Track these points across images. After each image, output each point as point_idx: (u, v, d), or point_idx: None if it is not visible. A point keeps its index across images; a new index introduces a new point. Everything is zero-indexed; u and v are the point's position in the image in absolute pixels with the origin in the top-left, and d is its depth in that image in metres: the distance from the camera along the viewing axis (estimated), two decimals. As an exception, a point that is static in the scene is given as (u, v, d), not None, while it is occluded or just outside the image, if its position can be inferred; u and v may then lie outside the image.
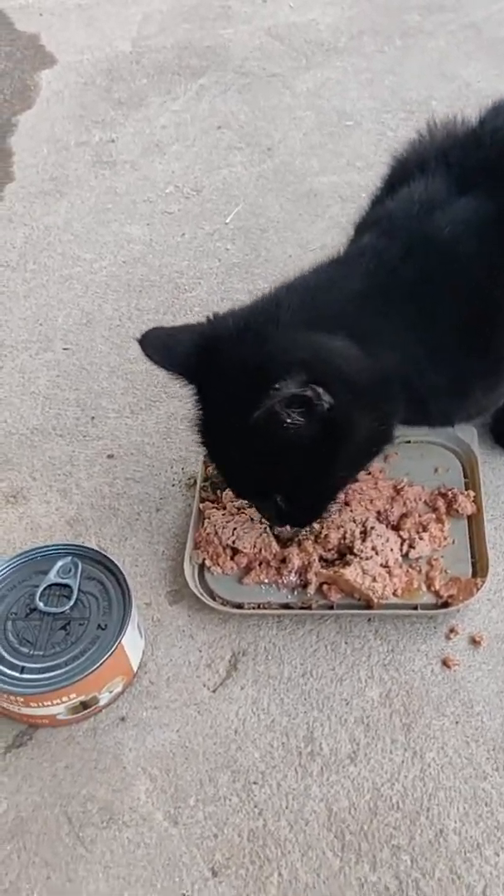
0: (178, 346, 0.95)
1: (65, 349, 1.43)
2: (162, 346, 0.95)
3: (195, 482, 1.18)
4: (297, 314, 0.93)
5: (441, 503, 1.11)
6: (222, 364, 0.92)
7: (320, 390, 0.85)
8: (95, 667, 0.95)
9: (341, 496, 1.07)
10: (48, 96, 1.99)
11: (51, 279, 1.55)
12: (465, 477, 1.15)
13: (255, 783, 0.93)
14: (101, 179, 1.76)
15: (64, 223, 1.67)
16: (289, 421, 0.87)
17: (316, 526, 1.07)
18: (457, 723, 0.95)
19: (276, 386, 0.83)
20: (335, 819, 0.89)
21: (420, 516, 1.10)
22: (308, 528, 1.08)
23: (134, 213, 1.67)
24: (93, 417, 1.31)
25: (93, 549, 1.05)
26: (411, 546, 1.07)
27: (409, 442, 1.18)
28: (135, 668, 1.01)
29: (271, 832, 0.89)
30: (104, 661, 0.95)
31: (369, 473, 1.15)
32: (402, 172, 1.05)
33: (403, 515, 1.10)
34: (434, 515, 1.09)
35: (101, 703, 0.98)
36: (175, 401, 1.31)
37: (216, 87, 1.97)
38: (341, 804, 0.90)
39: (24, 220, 1.68)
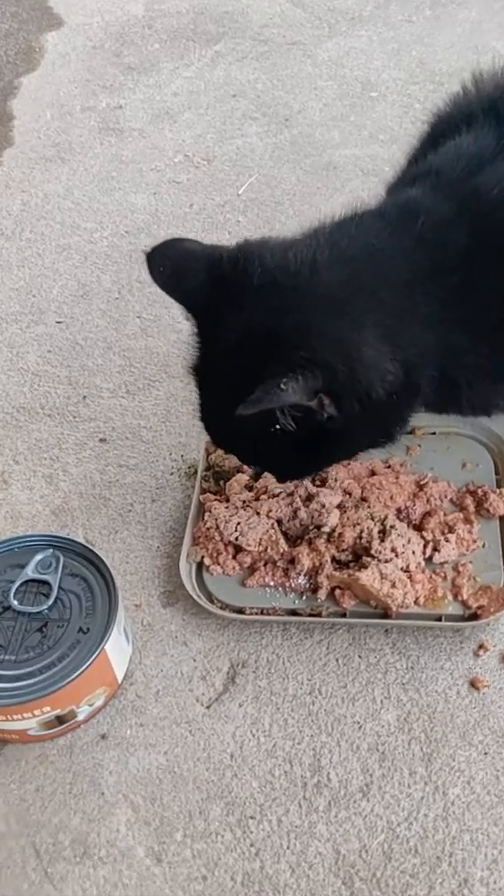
0: (193, 274, 0.82)
1: (58, 323, 1.31)
2: (173, 269, 0.82)
3: (195, 471, 1.06)
4: (332, 282, 0.80)
5: (469, 502, 0.98)
6: (235, 313, 0.80)
7: (327, 401, 0.76)
8: (74, 676, 0.83)
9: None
10: (54, 59, 1.87)
11: (47, 248, 1.43)
12: (497, 473, 1.02)
13: (252, 818, 0.81)
14: (107, 146, 1.64)
15: (64, 191, 1.55)
16: (278, 426, 0.77)
17: (329, 523, 0.95)
18: (486, 754, 0.82)
19: (282, 386, 0.72)
20: (343, 863, 0.77)
21: (445, 515, 0.97)
22: (316, 525, 0.96)
23: (140, 181, 1.55)
24: (84, 397, 1.20)
25: (77, 543, 0.93)
26: (436, 549, 0.94)
27: (434, 433, 1.06)
28: (119, 679, 0.89)
29: (269, 876, 0.77)
30: (85, 670, 0.83)
31: (389, 466, 1.03)
32: (445, 128, 0.93)
33: (427, 514, 0.98)
34: (461, 515, 0.97)
35: (80, 717, 0.86)
36: (176, 381, 1.20)
37: (232, 55, 1.84)
38: (351, 846, 0.78)
39: (23, 187, 1.57)
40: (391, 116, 1.63)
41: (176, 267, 0.83)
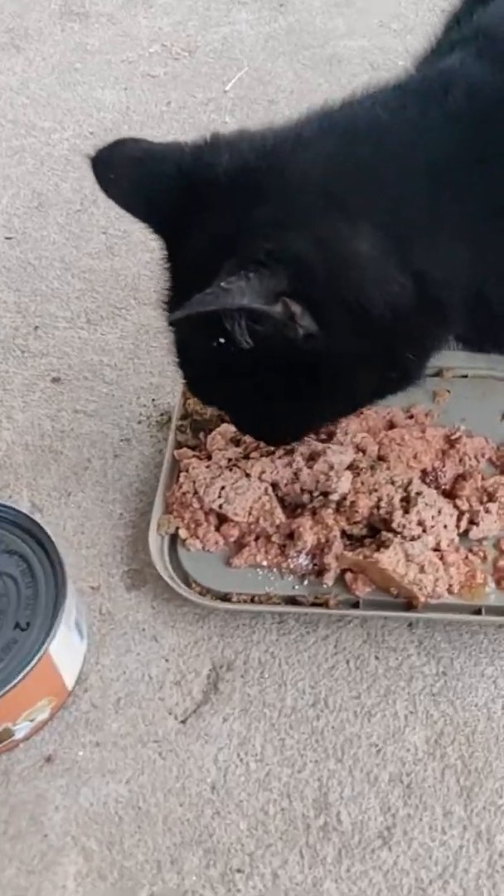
0: (153, 179, 0.65)
1: (7, 238, 1.09)
2: (128, 176, 0.66)
3: (169, 420, 0.86)
4: (317, 162, 0.62)
5: (513, 462, 0.79)
6: (199, 218, 0.63)
7: (298, 309, 0.56)
8: (10, 686, 0.64)
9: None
10: None
11: (-5, 151, 1.21)
12: (547, 427, 0.82)
13: (239, 871, 0.62)
14: (69, 34, 1.40)
15: (18, 84, 1.32)
16: (222, 339, 0.57)
17: (339, 489, 0.75)
18: (542, 790, 0.64)
19: (224, 285, 0.54)
20: (359, 937, 0.59)
21: (483, 479, 0.78)
22: (322, 491, 0.76)
23: (108, 75, 1.32)
24: (36, 328, 0.98)
25: (13, 509, 0.73)
26: (472, 521, 0.75)
27: (465, 376, 0.86)
28: (70, 685, 0.70)
29: None
30: (22, 679, 0.64)
31: (411, 417, 0.83)
32: None
33: (460, 477, 0.78)
34: (504, 479, 0.78)
35: (17, 736, 0.67)
36: (148, 309, 0.98)
37: None
38: (369, 913, 0.60)
39: (-32, 80, 1.33)
40: (405, 2, 1.39)
41: (131, 173, 0.66)
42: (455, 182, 0.63)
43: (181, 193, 0.64)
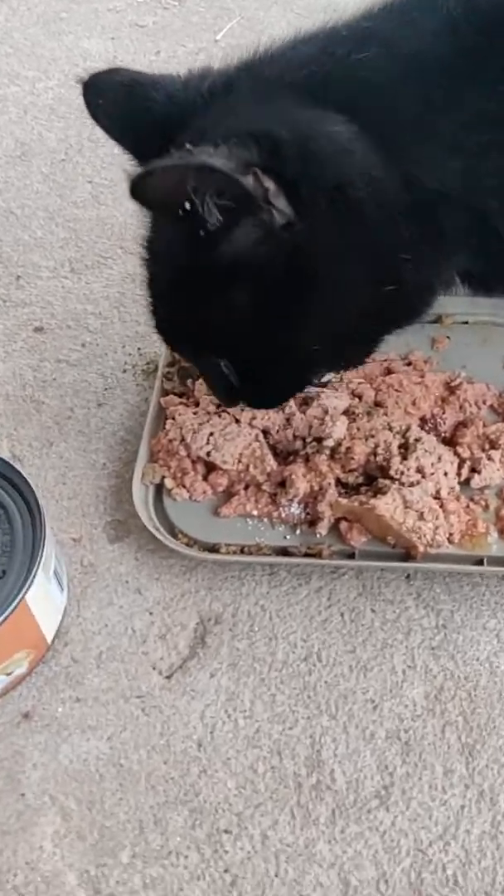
0: (142, 106, 0.62)
1: (-12, 188, 1.05)
2: (117, 101, 0.63)
3: (155, 368, 0.82)
4: (298, 70, 0.58)
5: (516, 409, 0.75)
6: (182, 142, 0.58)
7: (271, 185, 0.52)
8: (-17, 636, 0.60)
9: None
10: None
11: (-23, 99, 1.16)
12: (551, 374, 0.79)
13: (226, 832, 0.58)
14: (55, -17, 1.35)
15: (2, 33, 1.27)
16: (209, 219, 0.53)
17: (334, 435, 0.71)
18: (548, 746, 0.60)
19: (188, 147, 0.51)
20: (354, 899, 0.55)
21: (485, 426, 0.74)
22: (316, 437, 0.72)
23: (94, 24, 1.27)
24: (18, 277, 0.94)
25: (-9, 455, 0.69)
26: (474, 469, 0.71)
27: (466, 322, 0.82)
28: (49, 639, 0.66)
29: (250, 916, 0.55)
30: (-2, 628, 0.60)
31: (409, 363, 0.79)
32: None
33: (461, 425, 0.74)
34: (507, 426, 0.74)
35: (-8, 691, 0.63)
36: (134, 258, 0.92)
37: None
38: (364, 874, 0.56)
39: (-51, 29, 1.28)
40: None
41: (121, 99, 0.63)
42: (447, 90, 0.58)
43: (170, 122, 0.60)
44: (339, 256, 0.57)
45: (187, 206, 0.51)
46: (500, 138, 0.59)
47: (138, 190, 0.52)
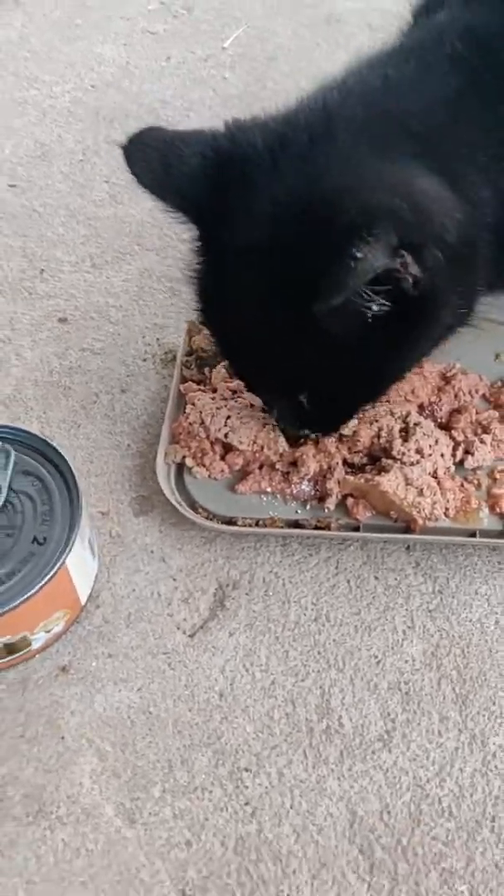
0: (182, 164, 0.64)
1: (11, 186, 1.11)
2: (158, 162, 0.65)
3: (174, 357, 0.89)
4: (360, 129, 0.63)
5: (506, 398, 0.82)
6: (250, 200, 0.63)
7: (409, 259, 0.57)
8: (28, 595, 0.66)
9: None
10: None
11: (-2, 102, 1.22)
12: (538, 366, 0.86)
13: (246, 770, 0.66)
14: (69, -10, 1.41)
15: (19, 38, 1.33)
16: (374, 308, 0.58)
17: (349, 424, 0.78)
18: (532, 696, 0.68)
19: (358, 254, 0.53)
20: (361, 827, 0.63)
21: (478, 413, 0.81)
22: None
23: (108, 30, 1.33)
24: (42, 271, 1.00)
25: (31, 434, 0.75)
26: (468, 451, 0.78)
27: (461, 319, 0.89)
28: (83, 600, 0.73)
29: (268, 841, 0.62)
30: (41, 588, 0.67)
31: (409, 356, 0.86)
32: None
33: (455, 412, 0.81)
34: (497, 414, 0.81)
35: (35, 646, 0.70)
36: (152, 254, 1.01)
37: None
38: (370, 806, 0.63)
39: (-31, 33, 1.34)
40: (401, -34, 1.41)
41: (163, 157, 0.65)
42: (475, 125, 0.65)
43: (216, 176, 0.64)
44: (445, 297, 0.63)
45: (374, 307, 0.58)
46: None
47: (333, 309, 0.56)
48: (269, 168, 0.63)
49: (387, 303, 0.58)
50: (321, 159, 0.62)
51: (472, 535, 0.75)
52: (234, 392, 0.82)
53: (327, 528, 0.76)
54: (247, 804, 0.64)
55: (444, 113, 0.65)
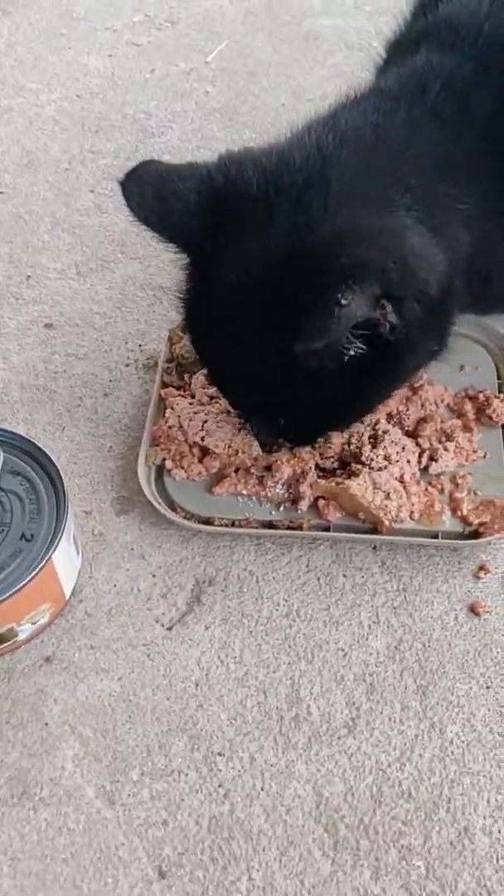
0: (177, 199, 0.67)
1: (-2, 193, 1.14)
2: (154, 198, 0.67)
3: (155, 363, 0.93)
4: (354, 179, 0.67)
5: (469, 408, 0.87)
6: (242, 238, 0.66)
7: (389, 308, 0.62)
8: (15, 589, 0.70)
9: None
10: None
11: (-15, 109, 1.25)
12: (500, 378, 0.91)
13: (220, 754, 0.70)
14: (55, 0, 1.44)
15: (5, 46, 1.36)
16: (351, 352, 0.63)
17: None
18: (488, 687, 0.73)
19: (343, 301, 0.57)
20: (326, 807, 0.67)
21: (443, 422, 0.86)
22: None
23: (93, 41, 1.37)
24: (28, 277, 1.04)
25: (19, 436, 0.79)
26: (432, 458, 0.83)
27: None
28: (67, 595, 0.77)
29: (240, 821, 0.67)
30: (28, 583, 0.71)
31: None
32: None
33: (421, 420, 0.86)
34: (460, 422, 0.86)
35: (20, 637, 0.74)
36: (135, 263, 1.05)
37: None
38: (335, 788, 0.68)
39: (-44, 41, 1.37)
40: (378, -14, 1.46)
41: (158, 191, 0.67)
42: (445, 170, 0.69)
43: (211, 212, 0.67)
44: (421, 340, 0.68)
45: (350, 351, 0.63)
46: (485, 198, 0.70)
47: (315, 351, 0.60)
48: (264, 209, 0.66)
49: (363, 347, 0.63)
50: (316, 206, 0.65)
51: (435, 536, 0.80)
52: (212, 398, 0.86)
53: (299, 528, 0.80)
54: (220, 786, 0.68)
55: (430, 166, 0.69)
